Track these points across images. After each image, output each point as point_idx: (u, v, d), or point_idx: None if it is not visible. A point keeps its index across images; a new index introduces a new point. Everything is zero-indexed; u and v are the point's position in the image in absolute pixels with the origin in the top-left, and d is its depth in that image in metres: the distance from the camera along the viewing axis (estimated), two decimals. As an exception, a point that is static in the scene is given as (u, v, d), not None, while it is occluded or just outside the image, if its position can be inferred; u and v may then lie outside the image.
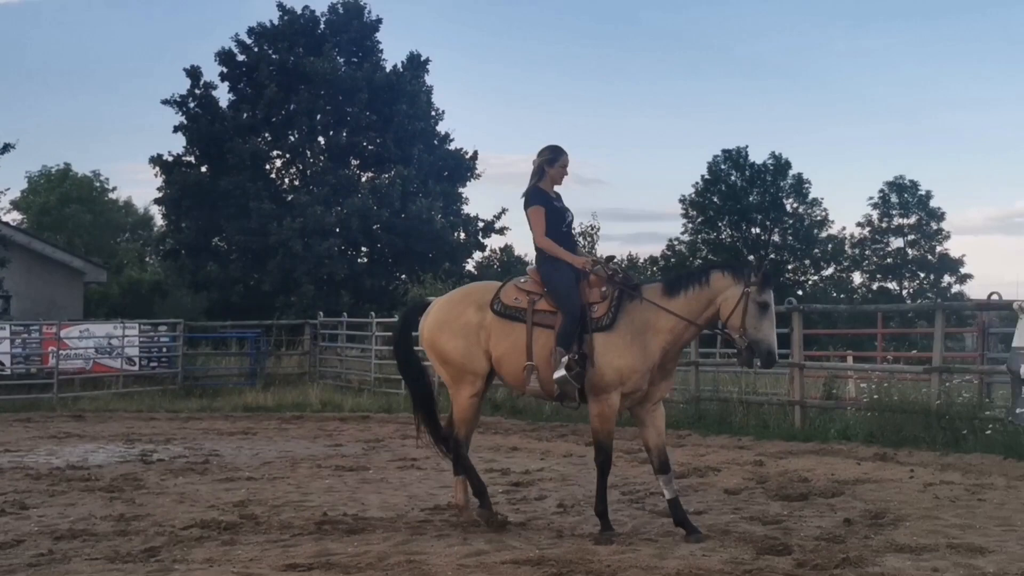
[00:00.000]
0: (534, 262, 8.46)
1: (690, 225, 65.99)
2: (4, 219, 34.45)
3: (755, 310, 7.75)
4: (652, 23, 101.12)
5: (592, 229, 74.22)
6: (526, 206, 8.35)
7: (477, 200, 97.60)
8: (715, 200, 65.03)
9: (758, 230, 65.15)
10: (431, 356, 8.50)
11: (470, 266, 40.24)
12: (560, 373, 7.67)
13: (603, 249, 67.96)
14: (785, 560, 6.69)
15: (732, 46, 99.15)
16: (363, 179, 36.10)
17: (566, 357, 7.68)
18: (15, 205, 54.95)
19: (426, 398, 8.80)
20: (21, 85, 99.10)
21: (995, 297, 14.24)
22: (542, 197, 8.30)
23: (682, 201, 66.09)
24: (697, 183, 65.74)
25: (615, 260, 8.42)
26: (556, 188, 8.50)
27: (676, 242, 66.28)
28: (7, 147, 28.20)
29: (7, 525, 8.47)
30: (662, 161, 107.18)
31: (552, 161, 8.42)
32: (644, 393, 8.02)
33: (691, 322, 7.95)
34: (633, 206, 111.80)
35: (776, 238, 65.17)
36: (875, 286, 65.27)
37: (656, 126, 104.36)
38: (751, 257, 9.69)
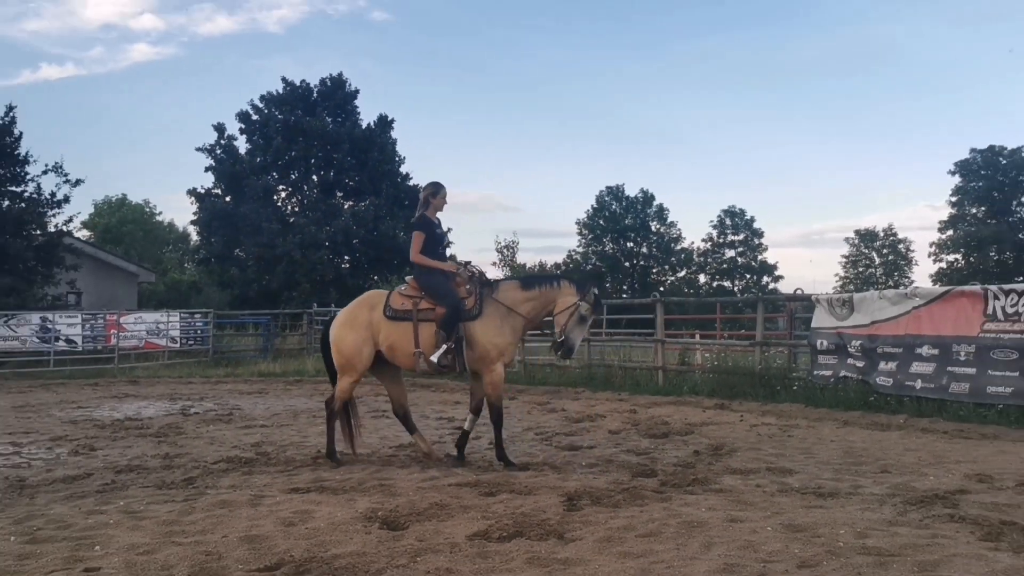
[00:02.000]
0: (413, 275, 8.26)
1: (583, 240, 66.88)
2: (77, 235, 33.62)
3: (577, 319, 7.78)
4: (550, 94, 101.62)
5: (513, 244, 74.83)
6: (411, 230, 8.29)
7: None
8: (601, 222, 65.95)
9: (631, 244, 65.99)
10: (332, 347, 8.25)
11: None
12: (436, 356, 7.68)
13: (521, 258, 68.44)
14: (652, 480, 6.76)
15: (613, 110, 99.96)
16: (346, 206, 35.86)
17: (444, 345, 7.68)
18: (85, 224, 53.64)
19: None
20: (91, 134, 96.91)
21: (799, 292, 14.59)
22: (426, 225, 8.18)
23: (577, 223, 67.38)
24: (588, 210, 66.85)
25: (472, 264, 8.29)
26: (439, 214, 8.38)
27: (574, 253, 67.15)
28: (79, 181, 27.68)
29: (80, 462, 8.28)
30: (563, 193, 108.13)
31: (435, 194, 8.33)
32: (512, 360, 8.11)
33: (527, 317, 7.90)
34: (542, 226, 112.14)
35: (644, 249, 66.12)
36: (715, 284, 66.61)
37: (560, 167, 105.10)
38: (595, 291, 9.71)
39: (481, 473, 7.23)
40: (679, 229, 67.23)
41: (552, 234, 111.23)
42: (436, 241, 8.20)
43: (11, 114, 26.67)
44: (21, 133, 26.82)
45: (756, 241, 67.19)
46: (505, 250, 74.14)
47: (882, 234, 70.78)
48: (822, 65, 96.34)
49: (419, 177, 37.44)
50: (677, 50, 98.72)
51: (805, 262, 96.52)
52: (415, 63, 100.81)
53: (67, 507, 6.07)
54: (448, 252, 8.45)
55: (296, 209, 36.03)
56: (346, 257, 36.38)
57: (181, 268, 55.82)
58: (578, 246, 67.44)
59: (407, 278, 8.39)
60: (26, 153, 26.90)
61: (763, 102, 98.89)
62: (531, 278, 8.34)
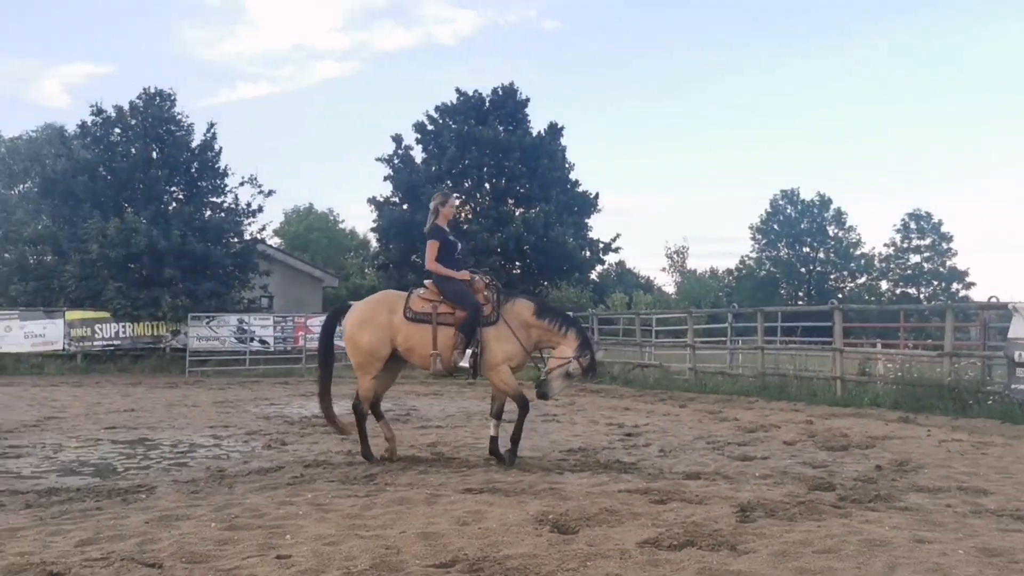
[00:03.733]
0: (433, 280, 8.34)
1: (756, 245, 65.07)
2: (269, 242, 35.76)
3: (563, 373, 8.07)
4: (720, 95, 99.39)
5: (683, 249, 73.71)
6: (427, 238, 8.43)
7: (599, 228, 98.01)
8: (775, 227, 63.93)
9: (807, 249, 63.60)
10: (348, 345, 8.39)
11: (593, 275, 40.17)
12: (464, 364, 7.98)
13: (691, 264, 67.36)
14: (830, 495, 6.49)
15: (787, 111, 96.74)
16: (516, 213, 36.30)
17: (470, 350, 7.91)
18: (276, 232, 56.90)
19: (326, 379, 8.70)
20: (282, 147, 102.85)
21: (994, 299, 13.61)
22: (440, 233, 8.36)
23: (750, 228, 65.55)
24: (761, 214, 65.03)
25: (487, 270, 8.55)
26: (448, 222, 8.60)
27: (746, 258, 65.51)
28: (271, 192, 29.58)
29: (273, 456, 8.79)
30: (734, 197, 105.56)
31: (444, 203, 8.57)
32: (522, 367, 8.33)
33: (533, 340, 8.17)
34: (713, 231, 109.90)
35: (821, 255, 63.54)
36: (898, 291, 62.94)
37: (732, 170, 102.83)
38: (592, 356, 9.41)
39: (651, 481, 7.16)
40: (858, 234, 64.32)
41: (723, 239, 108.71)
42: (450, 248, 8.38)
43: (212, 131, 28.75)
44: (220, 148, 28.86)
45: (944, 246, 63.14)
46: (675, 255, 73.21)
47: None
48: (1018, 62, 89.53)
49: (588, 184, 37.51)
50: (854, 46, 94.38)
51: (1002, 267, 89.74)
52: (584, 70, 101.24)
53: (261, 497, 6.46)
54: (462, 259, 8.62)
55: (469, 216, 36.80)
56: (516, 263, 36.82)
57: (362, 273, 58.05)
58: (751, 251, 65.78)
59: (425, 282, 8.50)
60: (225, 167, 28.94)
61: (950, 101, 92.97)
62: (547, 308, 8.49)
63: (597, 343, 22.08)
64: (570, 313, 9.21)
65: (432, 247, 8.27)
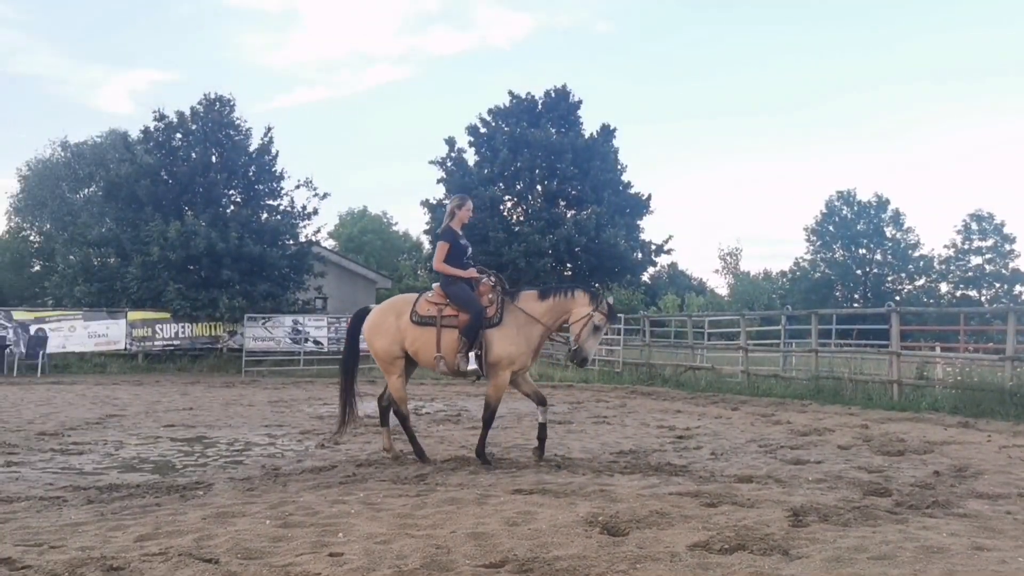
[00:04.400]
0: (439, 283, 8.47)
1: (811, 247, 64.09)
2: (324, 244, 36.23)
3: (591, 329, 8.06)
4: (774, 96, 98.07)
5: (736, 251, 72.95)
6: (437, 240, 8.55)
7: (651, 229, 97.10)
8: (830, 228, 62.88)
9: (864, 251, 62.44)
10: (370, 349, 8.60)
11: (645, 277, 39.95)
12: (473, 366, 8.03)
13: (744, 266, 66.60)
14: (886, 500, 6.35)
15: (843, 111, 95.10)
16: (568, 215, 36.26)
17: (473, 352, 7.98)
18: (331, 235, 57.69)
19: (350, 374, 8.82)
20: (337, 151, 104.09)
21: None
22: (451, 235, 8.45)
23: (805, 229, 64.57)
24: (816, 215, 64.04)
25: (494, 271, 8.61)
26: (462, 225, 8.65)
27: (800, 260, 64.61)
28: (326, 194, 29.96)
29: (326, 455, 8.90)
30: (789, 198, 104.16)
31: (460, 206, 8.63)
32: (525, 367, 8.33)
33: (546, 326, 8.18)
34: (767, 232, 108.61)
35: (878, 256, 62.32)
36: (958, 294, 61.43)
37: (785, 171, 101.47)
38: (608, 301, 9.26)
39: (702, 484, 7.09)
40: (917, 235, 62.83)
41: (777, 240, 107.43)
42: (460, 251, 8.42)
43: (269, 135, 29.24)
44: (277, 152, 29.33)
45: (1007, 247, 61.49)
46: (728, 257, 72.56)
47: None
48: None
49: (640, 185, 37.32)
50: (912, 44, 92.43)
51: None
52: (637, 71, 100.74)
53: (314, 495, 6.54)
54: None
55: (521, 218, 36.84)
56: (568, 265, 36.77)
57: (414, 275, 58.62)
58: (805, 253, 64.75)
59: (433, 285, 8.58)
60: (281, 170, 29.41)
61: (1012, 101, 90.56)
62: (548, 288, 8.53)
63: (648, 345, 21.95)
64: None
65: (442, 248, 8.39)
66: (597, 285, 34.56)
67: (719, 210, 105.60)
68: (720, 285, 69.40)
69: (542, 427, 8.39)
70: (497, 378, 8.15)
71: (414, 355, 8.34)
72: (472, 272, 8.35)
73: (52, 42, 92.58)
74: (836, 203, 63.62)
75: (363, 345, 8.85)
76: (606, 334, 8.36)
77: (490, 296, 8.24)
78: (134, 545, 4.96)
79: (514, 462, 8.29)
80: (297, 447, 9.60)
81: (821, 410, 13.49)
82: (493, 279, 8.41)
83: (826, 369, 16.12)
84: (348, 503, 6.22)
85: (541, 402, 8.39)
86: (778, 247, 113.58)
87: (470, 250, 8.61)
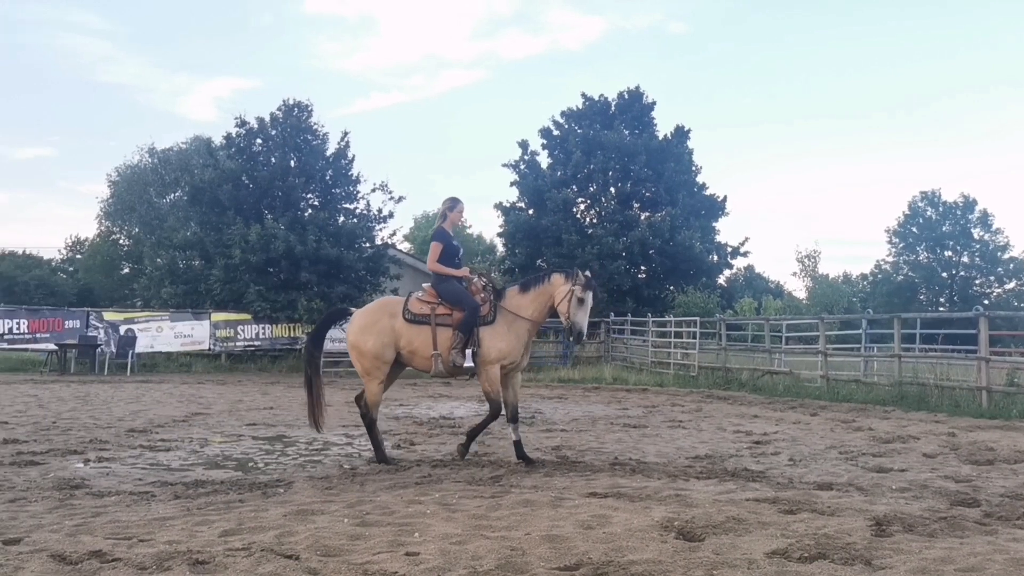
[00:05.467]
0: (431, 282, 8.61)
1: (893, 249, 62.31)
2: (399, 247, 36.67)
3: (576, 303, 8.23)
4: (852, 94, 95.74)
5: (815, 253, 71.37)
6: (431, 240, 8.70)
7: (726, 231, 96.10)
8: (913, 230, 61.04)
9: (949, 253, 60.46)
10: (352, 352, 8.57)
11: (720, 280, 39.40)
12: (469, 363, 8.22)
13: (823, 268, 65.12)
14: (974, 511, 6.13)
15: (927, 109, 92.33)
16: (642, 217, 36.02)
17: (470, 350, 8.15)
18: (406, 237, 58.30)
19: (315, 381, 8.79)
20: (412, 154, 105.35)
21: None
22: (443, 236, 8.62)
23: (887, 230, 62.85)
24: (899, 216, 62.23)
25: (483, 272, 8.81)
26: (455, 227, 8.87)
27: (882, 262, 62.84)
28: (401, 198, 30.44)
29: (402, 455, 8.99)
30: (870, 199, 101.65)
31: (452, 208, 8.78)
32: (516, 364, 8.47)
33: (532, 320, 8.41)
34: (846, 234, 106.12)
35: (964, 259, 60.29)
36: (1053, 297, 59.01)
37: (866, 171, 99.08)
38: (587, 272, 9.13)
39: (781, 490, 6.96)
40: (1007, 237, 60.58)
41: (857, 242, 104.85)
42: (452, 252, 8.61)
43: (346, 139, 29.77)
44: (354, 156, 29.84)
45: (1104, 249, 58.92)
46: (806, 260, 71.01)
47: None
48: None
49: (715, 187, 36.84)
50: (996, 40, 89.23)
51: None
52: (712, 72, 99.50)
53: (391, 495, 6.62)
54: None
55: (594, 220, 36.72)
56: (642, 267, 36.52)
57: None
58: (887, 255, 63.00)
59: (424, 285, 8.71)
60: (358, 174, 29.92)
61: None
62: (527, 280, 8.73)
63: (724, 348, 21.65)
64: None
65: (435, 249, 8.57)
66: (670, 288, 34.24)
67: (797, 212, 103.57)
68: (798, 288, 67.98)
69: (517, 445, 8.50)
70: (488, 372, 8.32)
71: (410, 355, 8.45)
72: (464, 272, 8.58)
73: (141, 52, 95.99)
74: (920, 204, 61.75)
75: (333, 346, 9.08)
76: (593, 306, 8.54)
77: (482, 295, 8.43)
78: (218, 540, 5.10)
79: (588, 465, 8.26)
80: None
81: (905, 417, 13.11)
82: (484, 280, 8.62)
83: (910, 375, 15.65)
84: (424, 503, 6.28)
85: (513, 419, 8.53)
86: (858, 249, 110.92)
87: (461, 251, 8.86)
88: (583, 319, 8.32)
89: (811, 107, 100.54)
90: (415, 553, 4.83)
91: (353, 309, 9.02)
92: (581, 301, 8.26)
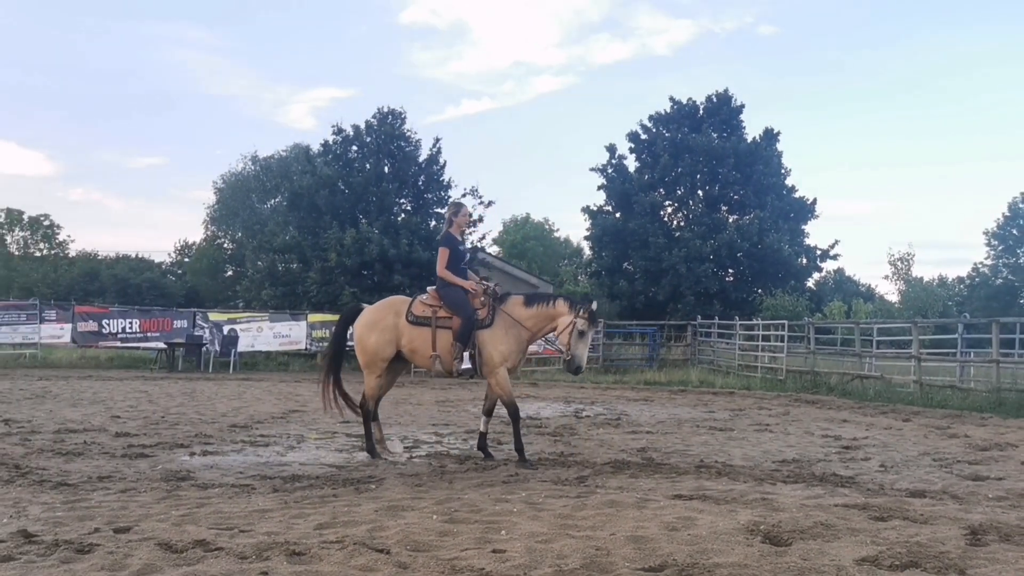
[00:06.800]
0: (435, 286, 8.64)
1: (992, 252, 59.62)
2: (489, 251, 36.94)
3: (577, 335, 8.20)
4: (947, 92, 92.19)
5: (908, 256, 68.95)
6: (438, 246, 8.69)
7: (816, 234, 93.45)
8: (1014, 232, 58.31)
9: (1055, 256, 57.59)
10: (356, 346, 8.74)
11: (809, 283, 38.46)
12: (466, 366, 8.28)
13: (917, 271, 62.83)
14: (1076, 522, 5.84)
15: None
16: (730, 220, 35.46)
17: (466, 353, 8.17)
18: (495, 241, 58.71)
19: (336, 368, 9.17)
20: (501, 159, 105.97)
21: None
22: (450, 241, 8.58)
23: (985, 233, 60.05)
24: (998, 218, 59.48)
25: (487, 277, 8.84)
26: (461, 231, 8.86)
27: (980, 265, 60.18)
28: (491, 202, 30.72)
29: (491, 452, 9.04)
30: (965, 201, 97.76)
31: (456, 213, 8.78)
32: (515, 366, 8.55)
33: (530, 330, 8.41)
34: (941, 237, 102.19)
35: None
36: None
37: (962, 172, 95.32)
38: (592, 305, 8.81)
39: (871, 496, 6.75)
40: (1119, 238, 57.45)
41: (953, 245, 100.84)
42: (459, 257, 8.67)
43: (437, 145, 30.18)
44: (445, 162, 30.24)
45: None
46: (899, 263, 68.63)
47: None
48: None
49: (805, 189, 36.02)
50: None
51: None
52: (803, 74, 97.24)
53: (478, 493, 6.68)
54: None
55: (681, 223, 36.33)
56: (730, 270, 35.96)
57: (575, 281, 58.83)
58: (985, 258, 60.30)
59: (428, 288, 8.72)
60: (449, 179, 30.32)
61: None
62: (533, 296, 8.74)
63: (813, 352, 21.11)
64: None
65: (443, 254, 8.60)
66: (758, 292, 33.54)
67: (890, 214, 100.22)
68: (890, 291, 65.66)
69: (482, 436, 8.79)
70: (496, 376, 8.37)
71: (411, 353, 8.59)
72: (471, 284, 8.58)
73: (246, 65, 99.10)
74: (1021, 205, 58.96)
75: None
76: (595, 335, 8.41)
77: (482, 299, 8.46)
78: (314, 532, 5.23)
79: (674, 467, 8.17)
80: (462, 446, 9.83)
81: (1003, 424, 12.56)
82: (487, 286, 8.64)
83: (1009, 381, 14.99)
84: (511, 502, 6.31)
85: (488, 412, 8.76)
86: (954, 252, 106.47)
87: (468, 256, 8.87)
88: (583, 352, 8.34)
89: (904, 106, 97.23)
90: (501, 550, 4.86)
91: (365, 305, 9.26)
92: (582, 334, 8.27)
